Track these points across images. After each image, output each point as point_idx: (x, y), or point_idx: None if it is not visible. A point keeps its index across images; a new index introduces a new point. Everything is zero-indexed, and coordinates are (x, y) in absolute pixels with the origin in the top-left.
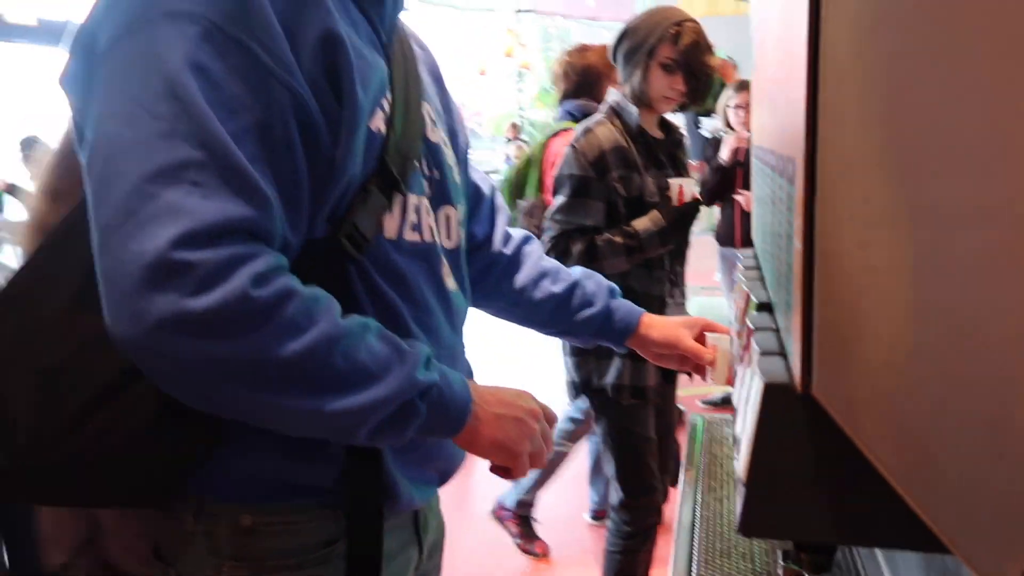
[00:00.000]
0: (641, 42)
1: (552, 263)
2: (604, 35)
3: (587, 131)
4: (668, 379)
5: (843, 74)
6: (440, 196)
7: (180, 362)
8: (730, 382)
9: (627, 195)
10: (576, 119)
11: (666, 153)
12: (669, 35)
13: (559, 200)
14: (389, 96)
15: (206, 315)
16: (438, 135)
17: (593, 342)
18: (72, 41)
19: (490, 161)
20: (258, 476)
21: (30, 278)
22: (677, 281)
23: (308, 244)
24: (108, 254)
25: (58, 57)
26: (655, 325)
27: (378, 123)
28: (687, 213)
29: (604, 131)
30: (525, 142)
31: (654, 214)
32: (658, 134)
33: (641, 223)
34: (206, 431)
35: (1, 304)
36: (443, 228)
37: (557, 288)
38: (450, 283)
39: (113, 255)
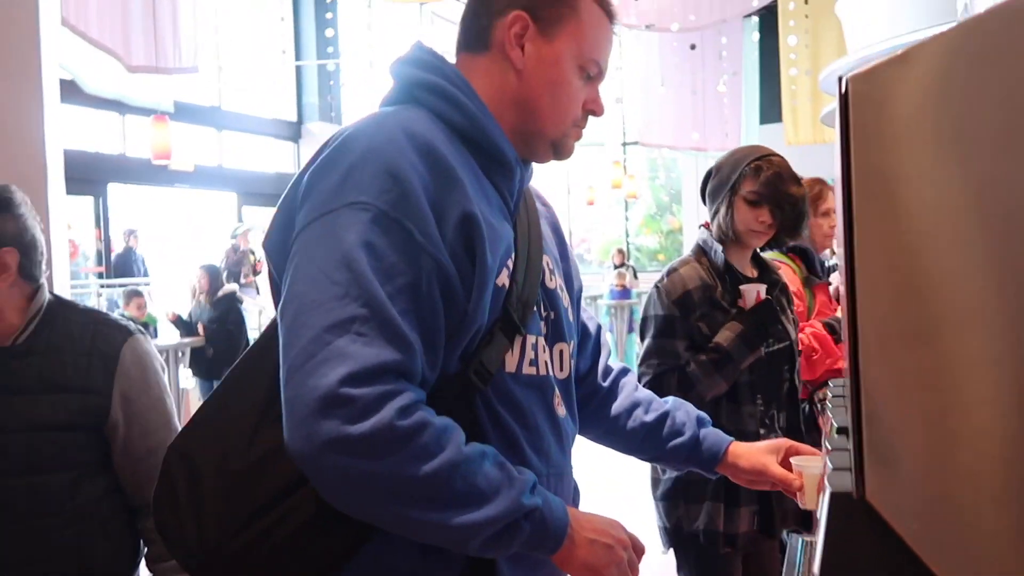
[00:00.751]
0: (725, 179)
1: (647, 394)
2: (712, 164)
3: (672, 271)
4: (767, 531)
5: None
6: (555, 334)
7: (338, 476)
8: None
9: (710, 334)
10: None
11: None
12: (751, 169)
13: (646, 343)
14: (513, 256)
15: (360, 439)
16: (555, 282)
17: (685, 468)
18: (275, 218)
19: (597, 287)
20: (396, 568)
21: (228, 392)
22: (773, 426)
23: (443, 378)
24: (291, 386)
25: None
26: (742, 454)
27: (503, 279)
28: (761, 312)
29: (688, 270)
30: (631, 267)
31: (730, 323)
32: (750, 272)
33: (721, 335)
34: (355, 531)
35: (205, 408)
36: (557, 361)
37: (648, 418)
38: (560, 410)
39: (295, 388)
